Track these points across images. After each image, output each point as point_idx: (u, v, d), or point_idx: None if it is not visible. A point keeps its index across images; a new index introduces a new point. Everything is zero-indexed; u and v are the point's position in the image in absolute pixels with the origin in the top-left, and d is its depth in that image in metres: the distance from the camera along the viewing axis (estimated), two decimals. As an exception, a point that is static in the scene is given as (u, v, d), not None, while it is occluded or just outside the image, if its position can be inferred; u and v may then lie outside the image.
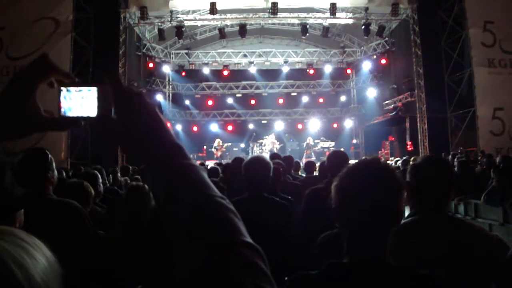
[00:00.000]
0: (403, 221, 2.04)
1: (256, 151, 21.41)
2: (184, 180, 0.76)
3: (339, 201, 1.45)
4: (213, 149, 21.62)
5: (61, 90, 0.85)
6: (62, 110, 0.84)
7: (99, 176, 4.16)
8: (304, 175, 7.55)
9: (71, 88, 0.85)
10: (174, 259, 0.70)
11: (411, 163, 2.26)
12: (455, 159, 8.69)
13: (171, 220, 0.74)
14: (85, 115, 0.83)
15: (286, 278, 1.42)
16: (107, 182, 5.59)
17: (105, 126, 0.82)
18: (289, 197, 3.80)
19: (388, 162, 10.54)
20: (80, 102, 0.84)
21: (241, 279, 0.64)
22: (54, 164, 2.68)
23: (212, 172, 6.91)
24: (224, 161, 16.02)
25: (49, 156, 2.64)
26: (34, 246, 0.66)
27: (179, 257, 0.70)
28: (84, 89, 0.84)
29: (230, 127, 25.71)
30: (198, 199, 0.74)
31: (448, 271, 1.71)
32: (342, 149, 19.48)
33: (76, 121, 0.84)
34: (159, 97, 22.56)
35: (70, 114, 0.84)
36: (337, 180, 1.48)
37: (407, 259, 1.76)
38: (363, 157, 1.54)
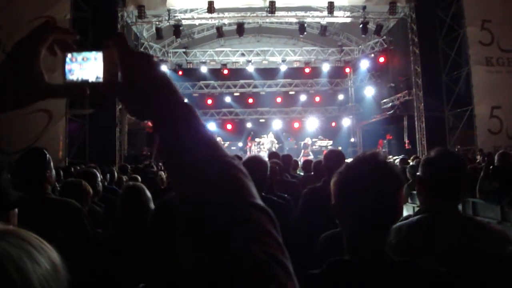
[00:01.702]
0: (415, 217, 2.02)
1: (254, 150, 21.41)
2: (195, 139, 0.74)
3: (339, 197, 1.44)
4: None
5: (66, 56, 0.83)
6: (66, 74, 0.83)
7: (98, 175, 4.15)
8: (302, 173, 7.55)
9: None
10: (178, 223, 0.68)
11: (422, 157, 2.20)
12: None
13: (179, 180, 0.72)
14: (90, 79, 0.81)
15: None
16: (105, 181, 5.56)
17: (112, 91, 0.81)
18: (286, 195, 3.79)
19: (387, 156, 10.57)
20: (80, 65, 0.82)
21: (249, 244, 0.61)
22: (52, 164, 2.68)
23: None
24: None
25: (47, 155, 2.63)
26: (39, 249, 0.64)
27: (183, 221, 0.68)
28: (85, 53, 0.83)
29: (228, 126, 25.69)
30: (208, 158, 0.72)
31: (459, 270, 1.70)
32: (340, 148, 19.54)
33: (82, 87, 0.83)
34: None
35: (71, 76, 0.82)
36: (336, 176, 1.47)
37: (418, 257, 1.75)
38: (362, 152, 1.53)
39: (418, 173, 2.08)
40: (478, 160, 10.98)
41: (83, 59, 0.82)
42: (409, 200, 7.97)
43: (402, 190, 1.43)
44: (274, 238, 0.64)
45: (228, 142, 23.00)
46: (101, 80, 0.81)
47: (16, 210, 1.70)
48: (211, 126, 25.25)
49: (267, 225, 0.65)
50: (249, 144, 22.56)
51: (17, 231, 0.65)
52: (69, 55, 0.83)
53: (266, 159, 4.08)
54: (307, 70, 24.46)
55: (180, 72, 24.34)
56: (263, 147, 21.37)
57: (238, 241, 0.61)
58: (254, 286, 0.56)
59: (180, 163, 0.73)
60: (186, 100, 0.79)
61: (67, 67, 0.83)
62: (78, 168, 7.24)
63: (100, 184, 4.13)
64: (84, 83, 0.82)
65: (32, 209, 2.37)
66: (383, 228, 1.40)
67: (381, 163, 1.44)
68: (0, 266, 0.57)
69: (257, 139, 22.49)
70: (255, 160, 3.44)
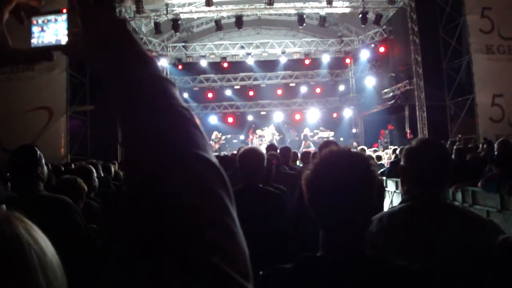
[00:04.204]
0: (397, 206, 2.02)
1: (255, 142, 21.41)
2: (147, 86, 0.71)
3: (310, 195, 1.42)
4: (211, 142, 21.67)
5: (32, 22, 0.82)
6: (32, 40, 0.82)
7: (94, 171, 4.15)
8: (302, 165, 7.54)
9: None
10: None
11: (404, 147, 2.19)
12: (454, 146, 8.68)
13: (125, 129, 0.69)
14: (50, 42, 0.81)
15: (260, 272, 1.40)
16: (102, 176, 5.56)
17: (74, 52, 0.79)
18: (281, 186, 3.80)
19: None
20: (41, 28, 0.82)
21: (183, 202, 0.57)
22: (43, 160, 2.67)
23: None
24: (225, 153, 16.09)
25: (38, 152, 2.63)
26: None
27: (126, 170, 0.66)
28: (46, 16, 0.82)
29: (230, 119, 25.65)
30: (157, 105, 0.69)
31: (441, 259, 1.70)
32: (341, 139, 19.38)
33: (47, 52, 0.82)
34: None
35: (32, 39, 0.82)
36: (306, 174, 1.44)
37: (398, 247, 1.75)
38: (332, 148, 1.50)
39: (400, 163, 2.08)
40: (479, 149, 10.94)
41: (43, 21, 0.82)
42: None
43: (375, 184, 1.40)
44: (214, 193, 0.60)
45: (229, 135, 23.04)
46: (62, 43, 0.80)
47: (4, 206, 1.70)
48: (213, 120, 25.24)
49: (209, 180, 0.61)
50: (251, 137, 22.57)
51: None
52: (32, 19, 0.83)
53: (263, 151, 4.08)
54: (307, 61, 24.41)
55: (180, 66, 24.34)
56: (264, 139, 21.37)
57: (171, 198, 0.57)
58: (180, 246, 0.53)
59: (129, 109, 0.70)
60: (145, 50, 0.77)
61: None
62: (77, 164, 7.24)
63: (96, 180, 4.13)
64: (50, 47, 0.81)
65: (24, 206, 2.38)
66: (355, 224, 1.38)
67: (350, 159, 1.41)
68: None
69: (258, 132, 22.49)
70: (252, 152, 3.45)
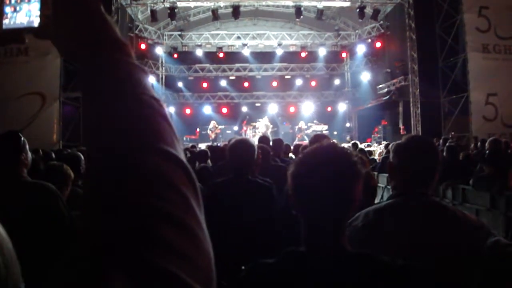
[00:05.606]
0: (384, 202, 2.01)
1: (249, 134, 21.40)
2: (114, 73, 0.66)
3: (293, 189, 1.42)
4: (208, 131, 21.64)
5: (5, 1, 0.80)
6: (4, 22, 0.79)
7: (83, 158, 4.10)
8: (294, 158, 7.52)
9: None
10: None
11: (393, 143, 2.18)
12: (446, 144, 8.70)
13: (87, 113, 0.65)
14: (23, 22, 0.78)
15: (243, 267, 1.40)
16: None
17: (46, 34, 0.75)
18: (268, 179, 3.78)
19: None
20: (14, 7, 0.79)
21: (140, 198, 0.51)
22: (27, 146, 2.64)
23: (201, 155, 6.88)
24: (217, 143, 16.08)
25: (22, 138, 2.60)
26: None
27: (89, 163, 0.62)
28: None
29: (224, 110, 25.57)
30: (123, 93, 0.64)
31: (426, 258, 1.68)
32: (335, 133, 19.39)
33: (19, 35, 0.79)
34: (151, 79, 22.34)
35: (5, 20, 0.79)
36: (291, 167, 1.44)
37: (383, 243, 1.73)
38: (319, 143, 1.49)
39: (389, 159, 2.07)
40: (471, 147, 10.99)
41: (16, 1, 0.79)
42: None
43: (358, 180, 1.39)
44: (178, 192, 0.54)
45: (223, 126, 22.98)
46: (34, 25, 0.77)
47: None
48: (207, 110, 25.17)
49: (173, 177, 0.56)
50: (244, 128, 22.53)
51: None
52: None
53: (255, 142, 4.04)
54: (303, 54, 24.32)
55: (175, 55, 24.20)
56: (258, 131, 21.34)
57: (128, 194, 0.52)
58: (130, 247, 0.47)
59: (92, 94, 0.66)
60: (118, 34, 0.72)
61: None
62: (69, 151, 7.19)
63: (85, 167, 4.08)
64: (22, 29, 0.78)
65: (6, 192, 2.36)
66: (338, 220, 1.38)
67: (335, 154, 1.40)
68: None
69: (252, 123, 22.47)
70: (242, 143, 3.43)
